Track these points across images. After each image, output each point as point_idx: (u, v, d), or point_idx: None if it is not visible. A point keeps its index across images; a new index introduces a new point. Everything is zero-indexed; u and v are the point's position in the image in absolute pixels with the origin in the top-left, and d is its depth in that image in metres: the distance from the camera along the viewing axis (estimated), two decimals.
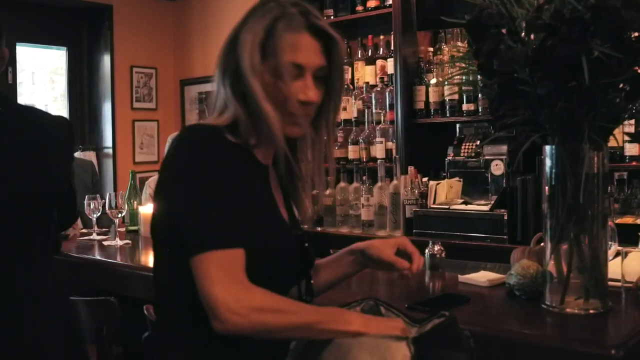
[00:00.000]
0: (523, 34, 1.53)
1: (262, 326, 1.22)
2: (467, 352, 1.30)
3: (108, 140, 5.48)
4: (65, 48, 5.59)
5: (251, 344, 1.34)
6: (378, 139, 4.04)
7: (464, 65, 1.77)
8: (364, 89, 4.21)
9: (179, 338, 1.37)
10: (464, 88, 3.65)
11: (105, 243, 3.07)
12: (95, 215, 3.16)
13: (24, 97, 5.59)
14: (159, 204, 1.37)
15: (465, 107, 3.73)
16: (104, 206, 3.15)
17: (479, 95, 3.64)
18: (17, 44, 5.41)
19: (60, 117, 1.82)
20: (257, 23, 1.38)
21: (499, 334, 1.55)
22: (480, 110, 3.66)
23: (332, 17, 4.38)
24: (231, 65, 1.40)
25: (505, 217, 3.30)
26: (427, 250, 2.26)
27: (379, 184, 3.82)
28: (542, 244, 1.72)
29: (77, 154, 4.87)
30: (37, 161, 1.66)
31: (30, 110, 1.76)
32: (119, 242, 3.05)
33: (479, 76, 1.71)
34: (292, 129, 1.40)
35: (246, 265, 1.27)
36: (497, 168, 3.49)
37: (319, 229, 4.10)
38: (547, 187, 1.65)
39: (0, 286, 1.60)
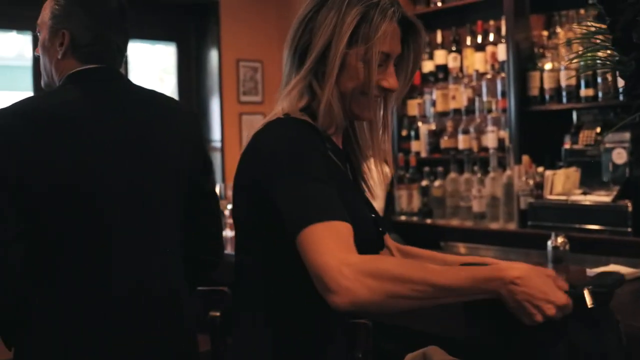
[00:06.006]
0: None
1: (383, 296, 1.14)
2: (617, 334, 1.23)
3: (217, 134, 5.55)
4: (174, 43, 5.70)
5: (327, 329, 1.36)
6: (490, 128, 3.90)
7: (598, 40, 1.64)
8: (474, 76, 4.07)
9: (257, 324, 1.38)
10: (581, 73, 3.47)
11: None
12: None
13: None
14: (246, 193, 1.37)
15: (583, 92, 3.53)
16: None
17: (599, 80, 3.44)
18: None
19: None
20: (349, 8, 1.36)
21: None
22: (600, 95, 3.45)
23: (439, 4, 4.27)
24: (307, 45, 1.39)
25: (630, 209, 3.10)
26: (549, 243, 2.14)
27: (492, 174, 3.70)
28: None
29: None
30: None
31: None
32: (229, 233, 3.06)
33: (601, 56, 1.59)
34: (366, 112, 1.43)
35: None
36: (619, 156, 3.28)
37: (428, 221, 4.01)
38: None
39: (134, 266, 1.62)
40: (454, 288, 1.17)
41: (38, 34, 1.76)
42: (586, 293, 1.21)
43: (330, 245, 1.16)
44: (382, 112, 1.51)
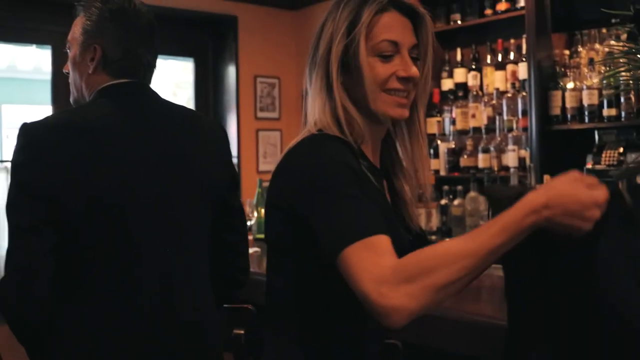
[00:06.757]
0: None
1: (430, 293, 1.10)
2: None
3: (233, 150, 5.56)
4: (192, 59, 5.72)
5: (359, 350, 1.34)
6: (510, 147, 3.88)
7: (623, 60, 1.63)
8: (494, 95, 4.06)
9: (288, 344, 1.36)
10: (604, 92, 3.45)
11: None
12: None
13: None
14: (277, 212, 1.35)
15: (605, 112, 3.51)
16: None
17: (622, 100, 3.41)
18: None
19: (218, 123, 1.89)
20: (342, 12, 1.36)
21: None
22: (623, 115, 3.43)
23: (459, 22, 4.26)
24: (319, 59, 1.39)
25: None
26: None
27: None
28: None
29: None
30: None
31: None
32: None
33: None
34: (396, 110, 1.38)
35: None
36: None
37: (447, 240, 3.98)
38: None
39: (161, 268, 1.62)
40: (493, 247, 1.11)
41: (68, 50, 1.77)
42: (622, 188, 1.16)
43: (365, 266, 1.13)
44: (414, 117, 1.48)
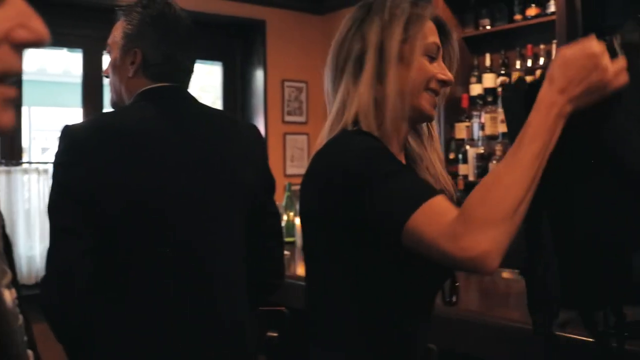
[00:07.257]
0: None
1: (508, 223, 1.08)
2: None
3: None
4: (220, 63, 5.75)
5: (408, 348, 1.33)
6: None
7: None
8: None
9: (331, 350, 1.35)
10: None
11: None
12: None
13: None
14: (314, 220, 1.34)
15: None
16: None
17: None
18: None
19: (251, 125, 1.90)
20: (393, 7, 1.38)
21: None
22: None
23: (488, 27, 4.25)
24: (361, 53, 1.40)
25: None
26: None
27: None
28: None
29: None
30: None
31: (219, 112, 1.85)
32: None
33: None
34: (432, 110, 1.42)
35: (395, 268, 1.26)
36: None
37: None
38: None
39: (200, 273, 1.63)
40: (535, 153, 1.11)
41: (108, 54, 1.79)
42: (616, 44, 1.15)
43: (436, 229, 1.12)
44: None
